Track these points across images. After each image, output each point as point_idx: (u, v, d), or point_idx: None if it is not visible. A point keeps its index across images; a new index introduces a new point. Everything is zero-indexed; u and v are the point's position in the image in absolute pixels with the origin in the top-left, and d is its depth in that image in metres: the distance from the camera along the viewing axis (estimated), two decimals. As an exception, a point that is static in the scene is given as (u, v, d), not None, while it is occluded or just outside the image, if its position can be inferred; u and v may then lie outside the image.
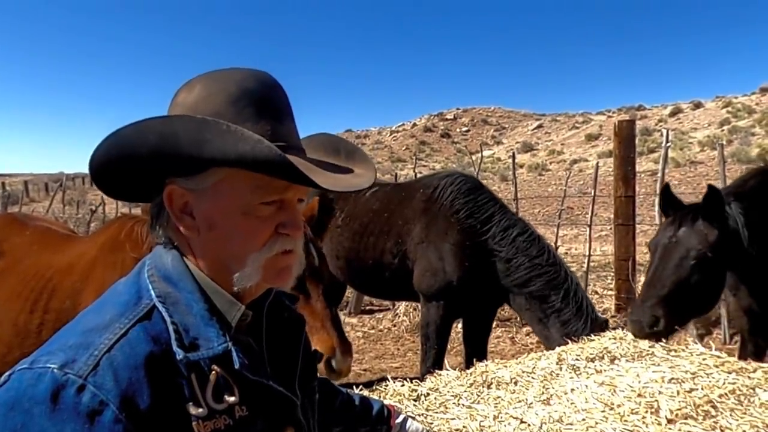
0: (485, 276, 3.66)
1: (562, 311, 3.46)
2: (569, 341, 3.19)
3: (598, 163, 9.15)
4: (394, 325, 6.83)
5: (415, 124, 70.85)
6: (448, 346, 4.23)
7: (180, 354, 0.83)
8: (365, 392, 1.94)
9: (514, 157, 8.37)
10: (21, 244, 3.09)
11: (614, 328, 3.34)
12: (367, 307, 7.49)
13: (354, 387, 2.00)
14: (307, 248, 2.14)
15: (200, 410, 0.83)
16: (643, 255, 8.90)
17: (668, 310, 2.61)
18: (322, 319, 2.03)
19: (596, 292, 6.79)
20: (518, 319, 6.57)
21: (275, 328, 1.04)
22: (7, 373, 0.80)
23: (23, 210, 12.98)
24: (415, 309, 6.79)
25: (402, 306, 6.96)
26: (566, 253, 10.12)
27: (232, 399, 0.87)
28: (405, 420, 1.47)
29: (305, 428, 1.01)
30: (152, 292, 0.88)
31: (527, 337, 6.21)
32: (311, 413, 1.07)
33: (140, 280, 0.91)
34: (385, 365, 5.59)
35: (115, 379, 0.77)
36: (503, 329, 6.31)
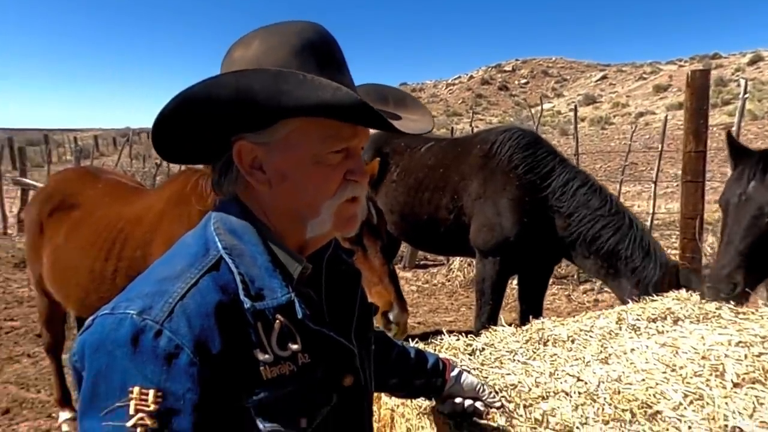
0: (544, 232, 3.59)
1: (630, 259, 3.35)
2: (641, 291, 3.11)
3: (667, 116, 8.65)
4: (448, 280, 6.86)
5: (471, 77, 68.96)
6: (503, 303, 4.22)
7: (247, 303, 0.86)
8: (420, 345, 1.97)
9: (576, 110, 8.05)
10: (94, 195, 3.26)
11: (687, 272, 3.18)
12: (421, 262, 7.55)
13: (409, 340, 2.03)
14: (366, 205, 2.15)
15: (267, 356, 0.87)
16: (711, 213, 8.50)
17: (746, 274, 2.46)
18: (381, 275, 2.07)
19: (659, 251, 6.56)
20: (575, 276, 6.47)
21: (333, 280, 1.07)
22: (90, 318, 0.85)
23: (94, 164, 13.64)
24: (469, 264, 6.79)
25: (456, 261, 6.97)
26: (628, 210, 9.76)
27: (295, 347, 0.91)
28: (460, 374, 1.49)
29: (362, 377, 1.04)
30: (219, 245, 0.92)
31: (584, 295, 6.12)
32: (368, 364, 1.10)
33: (207, 233, 0.95)
34: (438, 319, 5.66)
35: (188, 325, 0.81)
36: (559, 287, 6.24)
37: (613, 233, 3.41)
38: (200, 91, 0.87)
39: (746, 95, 6.32)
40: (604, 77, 58.95)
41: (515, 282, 5.67)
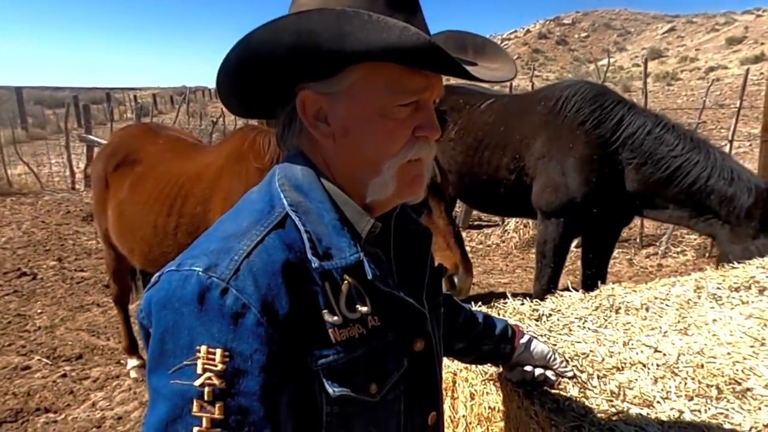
0: (614, 191, 3.40)
1: (713, 192, 3.06)
2: (734, 222, 2.88)
3: (748, 69, 8.03)
4: (503, 241, 6.74)
5: (528, 31, 66.23)
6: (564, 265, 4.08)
7: (315, 262, 0.82)
8: (483, 309, 1.91)
9: (646, 63, 7.56)
10: (155, 151, 3.30)
11: None
12: (476, 222, 7.43)
13: (470, 304, 1.98)
14: (432, 165, 2.08)
15: (335, 318, 0.83)
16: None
17: None
18: (446, 236, 2.00)
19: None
20: (637, 239, 6.22)
21: (402, 240, 1.01)
22: (156, 274, 0.83)
23: (153, 121, 14.01)
24: (525, 225, 6.62)
25: (512, 222, 6.82)
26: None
27: (364, 309, 0.86)
28: (530, 340, 1.42)
29: (433, 341, 0.99)
30: (284, 201, 0.87)
31: (647, 259, 5.88)
32: (437, 328, 1.05)
33: (272, 188, 0.90)
34: (493, 280, 5.58)
35: (255, 284, 0.78)
36: (620, 250, 6.01)
37: (692, 168, 3.14)
38: (261, 35, 0.82)
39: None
40: (671, 29, 55.48)
41: (574, 245, 5.51)
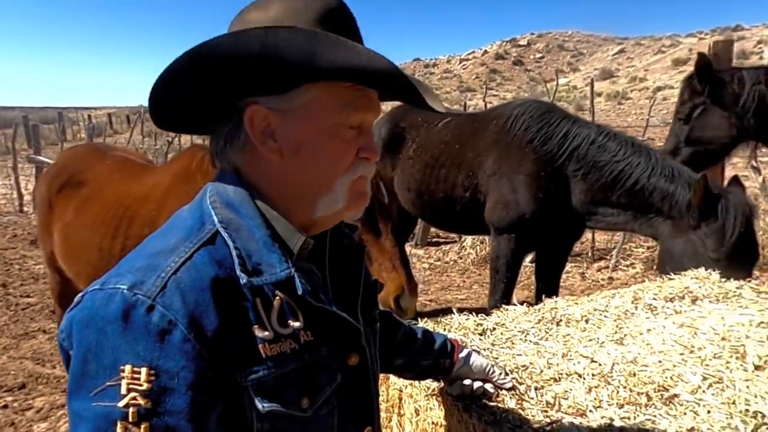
0: (562, 206, 3.48)
1: (656, 190, 3.15)
2: (676, 217, 2.99)
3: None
4: (460, 258, 6.82)
5: (486, 52, 67.91)
6: (517, 280, 4.16)
7: (243, 278, 0.82)
8: (430, 325, 1.93)
9: (592, 84, 7.86)
10: (102, 172, 3.23)
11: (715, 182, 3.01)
12: (434, 239, 7.50)
13: (418, 319, 2.00)
14: (377, 186, 2.10)
15: (266, 333, 0.83)
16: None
17: None
18: (392, 258, 2.03)
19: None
20: (589, 254, 6.39)
21: (337, 255, 1.03)
22: (80, 294, 0.82)
23: (107, 141, 13.69)
24: (481, 242, 6.73)
25: (468, 239, 6.91)
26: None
27: (296, 324, 0.86)
28: (469, 354, 1.45)
29: (368, 356, 1.00)
30: (215, 218, 0.87)
31: (598, 273, 6.04)
32: (374, 342, 1.06)
33: (203, 206, 0.90)
34: (450, 297, 5.63)
35: (182, 300, 0.78)
36: (573, 264, 6.16)
37: (632, 171, 3.23)
38: (224, 41, 0.82)
39: (770, 68, 6.09)
40: (621, 51, 57.76)
41: (529, 259, 5.62)
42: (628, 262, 6.25)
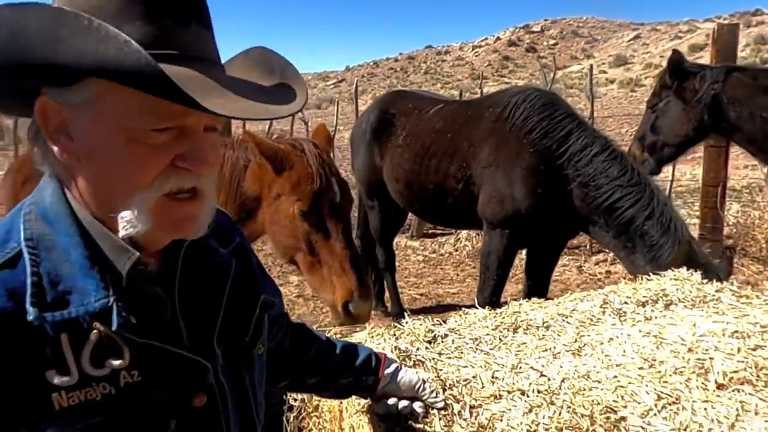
0: (558, 204, 3.30)
1: (647, 235, 3.05)
2: (653, 269, 2.86)
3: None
4: (456, 250, 6.66)
5: (498, 38, 67.05)
6: (510, 273, 3.99)
7: (32, 313, 0.68)
8: (379, 330, 1.80)
9: (591, 70, 7.64)
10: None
11: (698, 247, 2.96)
12: (429, 231, 7.34)
13: (404, 315, 2.00)
14: (328, 182, 1.95)
15: (65, 378, 0.70)
16: (738, 179, 8.06)
17: None
18: (341, 260, 1.88)
19: (680, 220, 6.24)
20: (587, 247, 6.21)
21: (194, 275, 0.87)
22: None
23: None
24: (477, 234, 6.56)
25: (464, 231, 6.75)
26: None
27: (117, 363, 0.73)
28: (397, 370, 1.31)
29: (223, 392, 0.85)
30: (22, 234, 0.74)
31: (596, 266, 5.86)
32: (246, 371, 0.91)
33: (16, 218, 0.77)
34: (442, 290, 5.48)
35: None
36: (570, 257, 5.98)
37: (632, 205, 3.10)
38: None
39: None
40: (637, 37, 56.75)
41: (523, 253, 5.45)
42: (628, 255, 6.05)
